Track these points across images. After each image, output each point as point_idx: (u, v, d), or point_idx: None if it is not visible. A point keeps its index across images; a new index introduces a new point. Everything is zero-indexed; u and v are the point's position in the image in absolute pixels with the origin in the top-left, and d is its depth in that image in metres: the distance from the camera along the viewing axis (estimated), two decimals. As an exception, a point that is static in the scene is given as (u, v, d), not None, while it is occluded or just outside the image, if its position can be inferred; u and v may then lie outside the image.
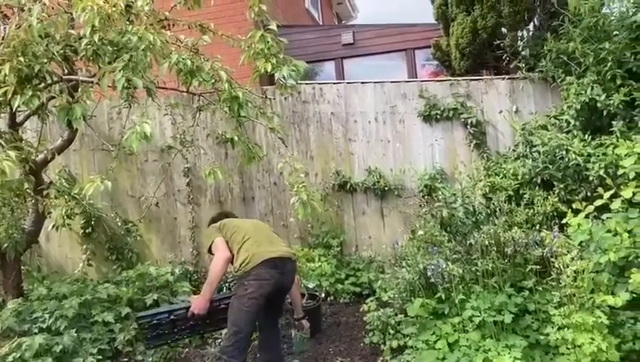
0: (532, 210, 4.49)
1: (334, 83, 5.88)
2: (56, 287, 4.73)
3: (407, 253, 4.41)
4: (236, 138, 4.19)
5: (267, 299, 3.54)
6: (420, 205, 4.60)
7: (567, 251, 3.65)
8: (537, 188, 4.75)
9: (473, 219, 4.11)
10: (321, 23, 13.12)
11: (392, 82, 5.66)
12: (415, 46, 8.42)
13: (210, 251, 3.59)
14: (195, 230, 6.03)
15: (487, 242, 3.88)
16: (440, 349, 3.88)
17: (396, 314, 4.32)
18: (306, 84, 5.86)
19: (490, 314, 3.78)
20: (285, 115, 5.85)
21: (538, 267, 3.96)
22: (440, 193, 4.75)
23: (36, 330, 4.32)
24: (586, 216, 3.67)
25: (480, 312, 3.84)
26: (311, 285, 4.96)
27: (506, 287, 3.95)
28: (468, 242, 3.91)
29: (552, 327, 3.66)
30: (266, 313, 3.83)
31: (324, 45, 8.69)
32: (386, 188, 5.56)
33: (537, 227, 4.44)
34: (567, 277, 3.47)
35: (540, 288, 3.96)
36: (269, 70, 3.29)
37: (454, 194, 4.27)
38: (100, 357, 4.23)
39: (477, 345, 3.81)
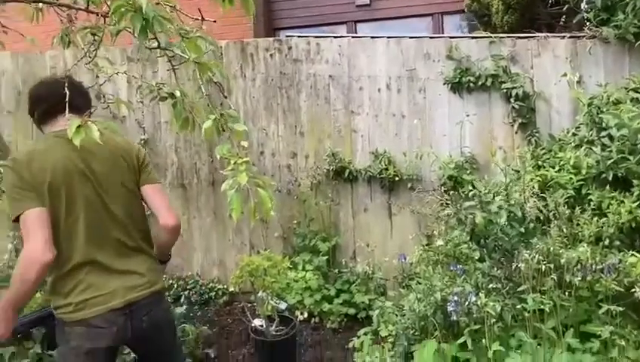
0: (603, 219, 3.10)
1: (335, 37, 4.49)
2: None
3: (419, 271, 3.06)
4: (178, 93, 2.86)
5: (116, 349, 2.24)
6: (442, 203, 3.24)
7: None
8: (608, 186, 3.36)
9: (521, 229, 2.72)
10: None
11: (411, 38, 4.27)
12: (444, 10, 6.99)
13: (17, 220, 2.01)
14: (151, 218, 4.72)
15: (543, 266, 2.50)
16: (461, 425, 2.54)
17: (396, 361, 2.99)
18: (299, 37, 4.49)
19: (544, 382, 2.43)
20: (270, 77, 4.50)
21: (618, 308, 2.59)
22: (470, 188, 3.36)
23: None
24: None
25: (527, 375, 2.48)
26: (283, 306, 3.62)
27: (567, 337, 2.58)
28: (514, 265, 2.54)
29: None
30: None
31: (335, 6, 7.29)
32: (397, 178, 4.18)
33: (606, 242, 3.08)
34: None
35: (619, 339, 2.58)
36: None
37: (493, 192, 2.89)
38: (-28, 396, 2.96)
39: None
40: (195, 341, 3.68)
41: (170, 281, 4.71)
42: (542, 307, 2.45)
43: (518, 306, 2.55)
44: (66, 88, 2.05)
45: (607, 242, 3.09)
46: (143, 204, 2.36)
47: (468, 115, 4.05)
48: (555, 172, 3.49)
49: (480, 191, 2.82)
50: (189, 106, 2.62)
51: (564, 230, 2.97)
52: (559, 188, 3.39)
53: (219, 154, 2.01)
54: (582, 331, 2.80)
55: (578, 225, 3.12)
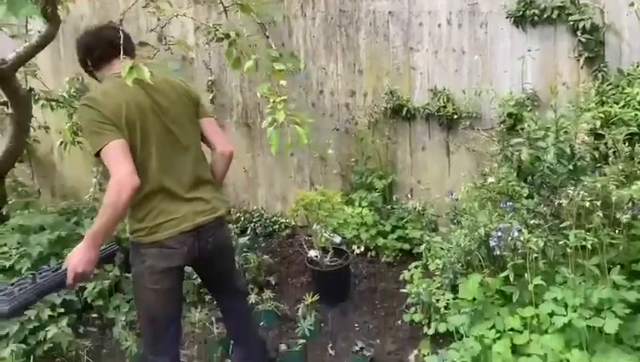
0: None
1: (396, -29, 4.41)
2: (28, 218, 3.91)
3: (466, 207, 3.10)
4: (233, 35, 2.98)
5: (183, 269, 2.50)
6: (498, 141, 3.21)
7: None
8: (677, 123, 3.20)
9: (570, 166, 2.69)
10: None
11: (474, -30, 4.12)
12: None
13: (97, 154, 2.17)
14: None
15: (587, 202, 2.48)
16: (499, 354, 2.63)
17: (443, 293, 3.10)
18: (359, -28, 4.45)
19: (582, 315, 2.45)
20: (330, 16, 4.51)
21: (669, 247, 2.54)
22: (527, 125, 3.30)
23: (-3, 268, 3.55)
24: None
25: (566, 309, 2.52)
26: (337, 239, 3.80)
27: (612, 274, 2.57)
28: (557, 201, 2.53)
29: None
30: (208, 288, 2.88)
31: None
32: (455, 116, 4.15)
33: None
34: None
35: (669, 280, 2.55)
36: None
37: (545, 128, 2.84)
38: (63, 309, 3.38)
39: (557, 356, 2.52)
40: (257, 268, 3.95)
41: (238, 214, 5.01)
42: (584, 243, 2.44)
43: (561, 242, 2.55)
44: (121, 32, 2.24)
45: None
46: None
47: (530, 50, 3.91)
48: (619, 108, 3.35)
49: (529, 128, 2.78)
50: (241, 47, 2.76)
51: (620, 168, 2.89)
52: (622, 124, 3.26)
53: (259, 93, 2.14)
54: (633, 270, 2.77)
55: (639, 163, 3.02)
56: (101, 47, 2.35)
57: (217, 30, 3.21)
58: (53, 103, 4.59)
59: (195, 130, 2.51)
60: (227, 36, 2.96)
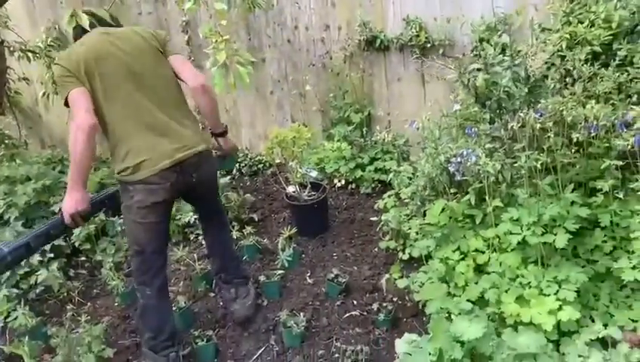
0: (625, 74, 2.99)
1: None
2: (13, 169, 4.02)
3: (428, 135, 3.15)
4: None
5: (171, 202, 2.70)
6: (454, 68, 3.22)
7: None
8: (642, 41, 3.19)
9: (525, 90, 2.72)
10: None
11: None
12: None
13: (67, 104, 2.41)
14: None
15: (538, 125, 2.53)
16: (462, 274, 2.77)
17: (410, 218, 3.21)
18: None
19: (535, 233, 2.56)
20: (299, -52, 4.43)
21: (621, 163, 2.60)
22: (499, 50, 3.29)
23: (-13, 220, 3.70)
24: None
25: (521, 228, 2.63)
26: (314, 173, 3.89)
27: (566, 191, 2.65)
28: (510, 125, 2.58)
29: (629, 259, 2.42)
30: (195, 212, 3.26)
31: None
32: (429, 45, 4.13)
33: (630, 101, 3.00)
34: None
35: (621, 195, 2.64)
36: None
37: (503, 51, 2.85)
38: (53, 254, 3.54)
39: (513, 272, 2.66)
40: (240, 207, 4.08)
41: (223, 155, 5.09)
42: (533, 164, 2.51)
43: (516, 164, 2.63)
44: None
45: (635, 98, 3.01)
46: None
47: (499, -28, 3.84)
48: (584, 27, 3.32)
49: (486, 54, 2.80)
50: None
51: (581, 89, 2.91)
52: (587, 44, 3.25)
53: (202, 34, 2.18)
54: (592, 187, 2.86)
55: (602, 82, 3.04)
56: None
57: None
58: (30, 54, 4.59)
59: (167, 70, 2.62)
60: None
